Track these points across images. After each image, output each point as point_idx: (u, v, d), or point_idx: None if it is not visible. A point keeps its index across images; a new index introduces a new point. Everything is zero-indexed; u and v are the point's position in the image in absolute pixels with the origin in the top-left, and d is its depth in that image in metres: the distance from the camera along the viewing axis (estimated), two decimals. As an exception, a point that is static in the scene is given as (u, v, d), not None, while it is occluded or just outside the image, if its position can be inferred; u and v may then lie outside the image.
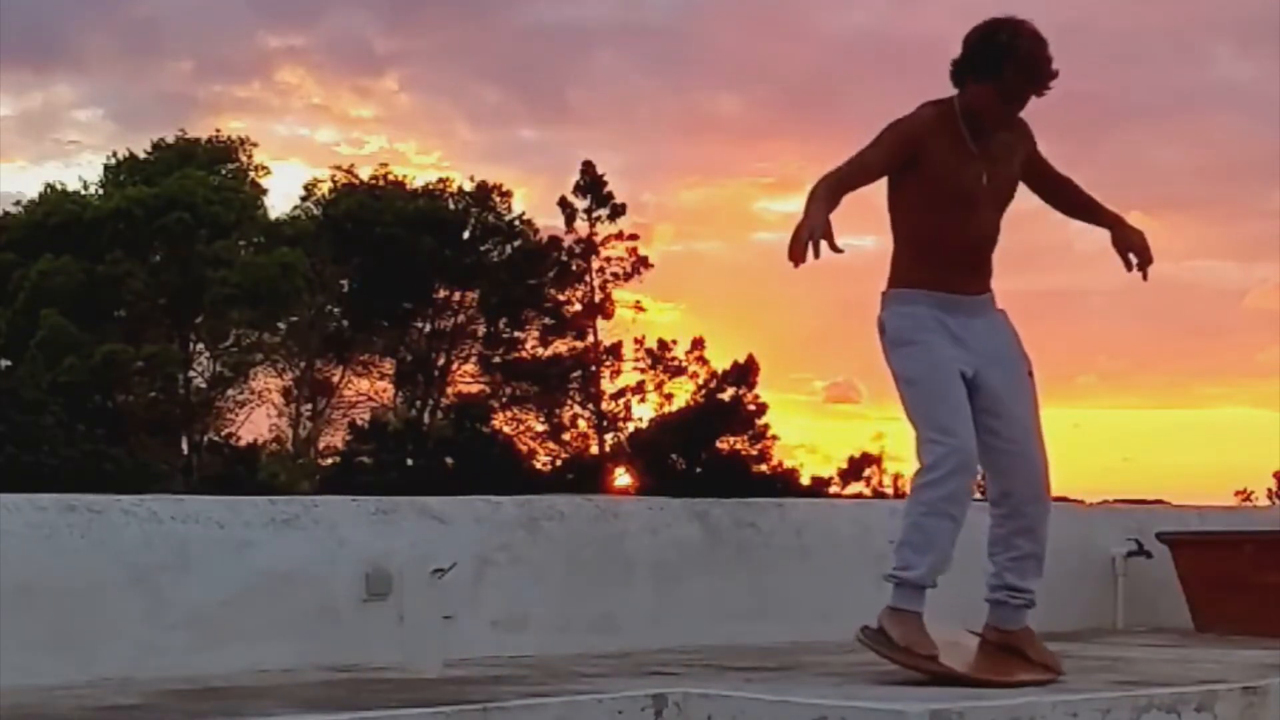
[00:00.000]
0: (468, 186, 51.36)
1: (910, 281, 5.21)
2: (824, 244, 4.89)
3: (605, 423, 49.80)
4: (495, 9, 63.10)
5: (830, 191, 5.04)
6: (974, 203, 5.18)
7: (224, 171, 50.47)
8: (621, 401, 49.85)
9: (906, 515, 5.14)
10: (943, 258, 5.17)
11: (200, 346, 47.68)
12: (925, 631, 5.02)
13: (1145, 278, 5.38)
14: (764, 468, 48.75)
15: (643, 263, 49.59)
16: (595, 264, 49.59)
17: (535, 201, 75.69)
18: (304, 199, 51.60)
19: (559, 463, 49.63)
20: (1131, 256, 5.39)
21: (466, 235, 50.62)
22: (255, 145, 52.52)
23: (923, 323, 5.16)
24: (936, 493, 5.05)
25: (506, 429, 49.84)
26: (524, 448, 49.77)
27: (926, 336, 5.14)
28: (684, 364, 49.41)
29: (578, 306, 49.98)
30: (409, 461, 46.01)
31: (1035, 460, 5.27)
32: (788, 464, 50.00)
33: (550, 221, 50.39)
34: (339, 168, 52.28)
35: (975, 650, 5.28)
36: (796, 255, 4.90)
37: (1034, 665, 5.14)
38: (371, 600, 5.65)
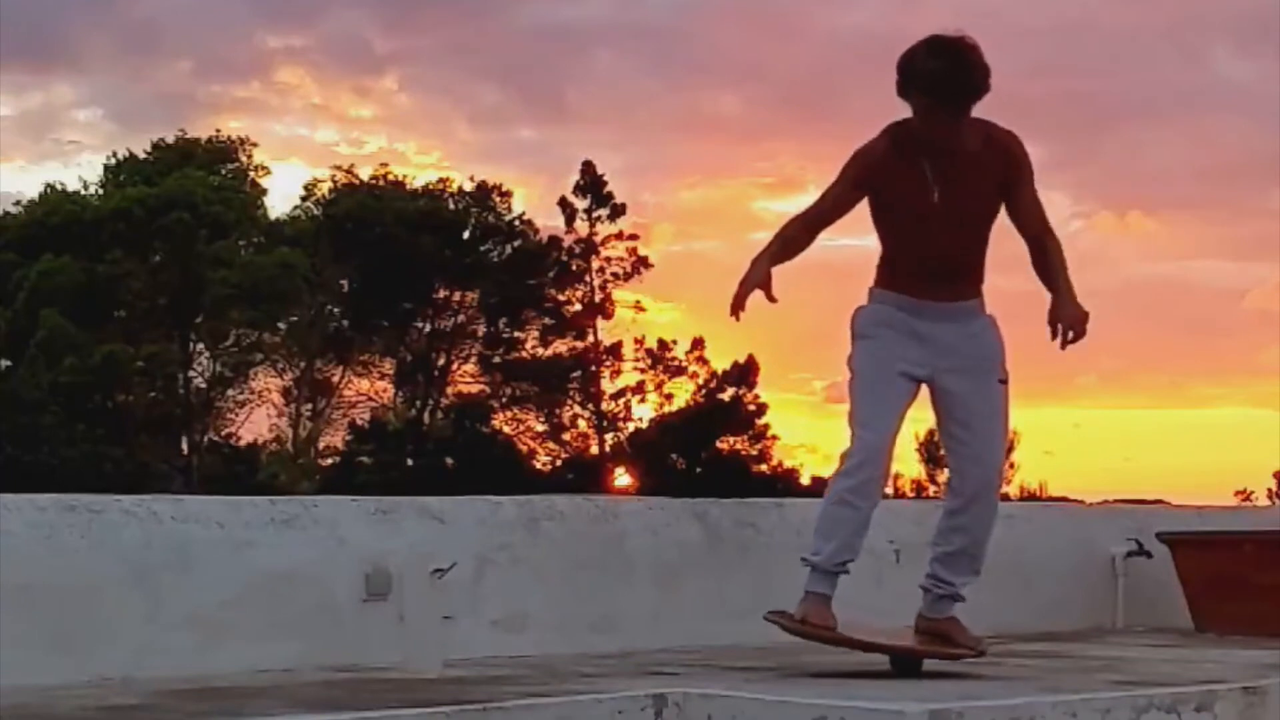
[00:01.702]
0: (468, 186, 51.42)
1: (884, 283, 5.48)
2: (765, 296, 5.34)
3: (605, 423, 49.81)
4: (495, 9, 63.16)
5: (788, 239, 5.48)
6: (928, 221, 5.32)
7: (224, 171, 50.49)
8: (621, 401, 49.88)
9: (823, 503, 5.45)
10: (908, 269, 5.41)
11: (200, 346, 47.68)
12: (827, 610, 5.32)
13: (1062, 347, 5.37)
14: (764, 468, 48.76)
15: (643, 263, 49.63)
16: (595, 264, 49.62)
17: (535, 201, 75.70)
18: (304, 199, 51.66)
19: (559, 463, 49.63)
20: (1060, 327, 5.36)
21: (466, 235, 50.61)
22: (255, 145, 52.61)
23: (882, 319, 5.42)
24: (845, 483, 5.35)
25: (506, 429, 49.86)
26: (524, 448, 49.77)
27: (880, 333, 5.41)
28: (684, 364, 49.44)
29: (578, 306, 49.98)
30: (409, 461, 46.03)
31: (988, 464, 5.46)
32: (788, 464, 50.08)
33: (550, 221, 50.46)
34: (339, 168, 52.34)
35: (901, 633, 5.50)
36: (734, 309, 5.38)
37: (958, 646, 5.37)
38: (371, 600, 5.65)
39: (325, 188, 51.44)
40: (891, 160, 5.30)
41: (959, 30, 5.21)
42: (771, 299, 5.39)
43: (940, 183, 5.26)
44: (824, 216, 5.48)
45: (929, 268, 5.37)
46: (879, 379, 5.37)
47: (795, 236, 5.49)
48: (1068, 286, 5.40)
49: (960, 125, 5.20)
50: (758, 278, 5.37)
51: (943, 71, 5.13)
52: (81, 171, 67.52)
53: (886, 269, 5.47)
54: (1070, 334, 5.35)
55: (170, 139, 51.05)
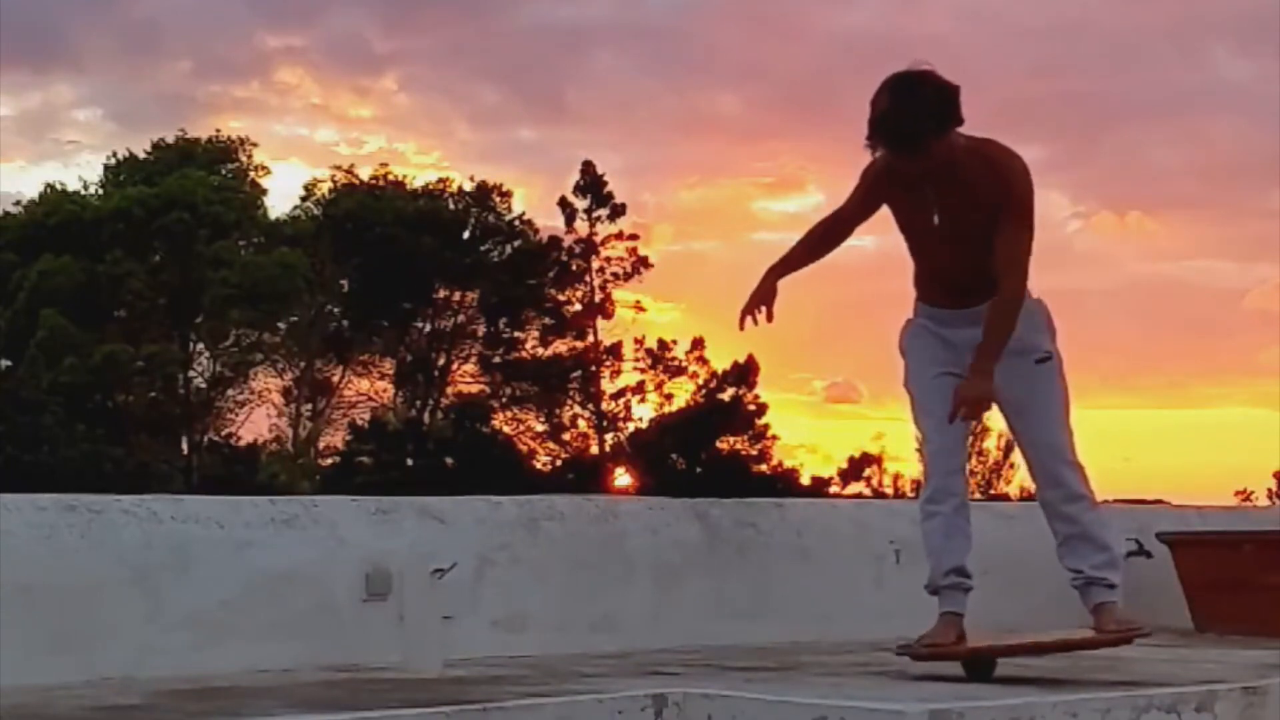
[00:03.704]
0: (468, 186, 51.42)
1: (917, 294, 5.56)
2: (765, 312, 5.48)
3: (605, 423, 49.79)
4: (495, 9, 63.12)
5: (802, 246, 5.54)
6: (929, 239, 5.36)
7: (224, 171, 50.47)
8: (621, 401, 49.86)
9: None
10: (926, 280, 5.50)
11: (200, 346, 47.68)
12: (950, 627, 5.30)
13: (949, 420, 5.24)
14: (764, 468, 48.74)
15: (643, 263, 49.61)
16: (595, 264, 49.60)
17: (535, 201, 75.71)
18: (304, 199, 51.63)
19: (559, 463, 49.62)
20: (956, 400, 5.23)
21: (466, 235, 50.60)
22: (255, 145, 52.60)
23: (917, 333, 5.50)
24: (921, 497, 5.46)
25: (506, 429, 49.84)
26: (524, 448, 49.76)
27: (916, 345, 5.48)
28: (684, 364, 49.42)
29: (578, 306, 49.97)
30: (409, 461, 46.01)
31: (1040, 447, 5.40)
32: (788, 464, 50.04)
33: (550, 221, 50.44)
34: (339, 168, 52.33)
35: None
36: (740, 324, 5.50)
37: (1103, 634, 5.33)
38: (371, 600, 5.65)
39: (325, 188, 51.48)
40: (888, 181, 5.30)
41: (917, 64, 5.12)
42: (769, 318, 5.47)
43: (940, 206, 5.25)
44: (839, 223, 5.53)
45: (942, 282, 5.42)
46: (925, 393, 5.41)
47: (811, 244, 5.55)
48: (986, 357, 5.20)
49: (919, 160, 5.12)
50: (762, 294, 5.48)
51: (871, 113, 5.12)
52: (81, 171, 67.60)
53: (915, 279, 5.53)
54: (962, 410, 5.23)
55: (170, 139, 51.08)
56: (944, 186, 5.20)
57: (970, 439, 5.62)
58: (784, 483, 46.34)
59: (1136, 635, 5.28)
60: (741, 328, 5.49)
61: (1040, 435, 5.38)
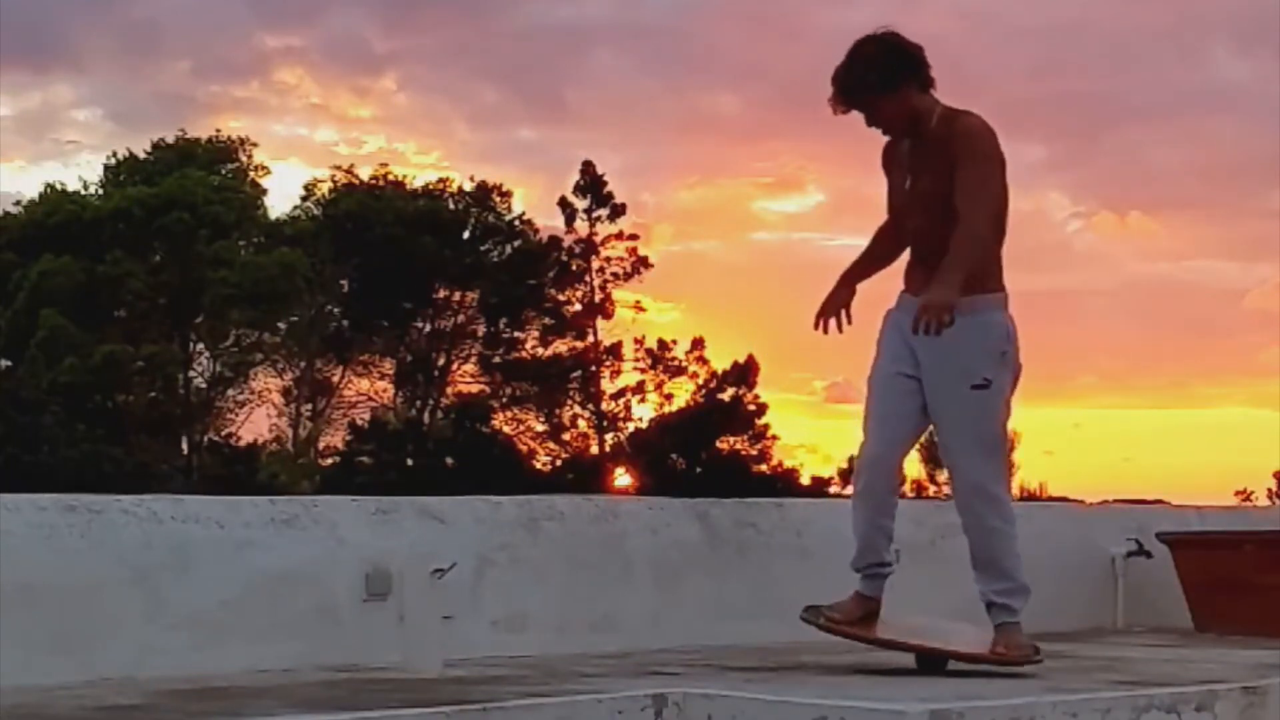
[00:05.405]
0: (467, 186, 51.42)
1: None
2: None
3: (605, 423, 49.79)
4: (494, 9, 63.09)
5: (867, 249, 5.64)
6: (903, 207, 5.50)
7: (224, 171, 50.48)
8: (621, 401, 49.86)
9: None
10: (910, 257, 5.56)
11: (200, 346, 47.69)
12: (851, 605, 5.46)
13: (914, 331, 5.20)
14: (764, 468, 48.74)
15: (643, 263, 49.62)
16: (595, 264, 49.61)
17: (535, 201, 75.74)
18: (304, 199, 51.63)
19: (559, 463, 49.62)
20: (918, 316, 5.18)
21: (466, 235, 50.60)
22: (255, 145, 52.60)
23: (887, 325, 5.55)
24: (853, 489, 5.58)
25: (506, 429, 49.84)
26: (524, 448, 49.76)
27: (883, 340, 5.54)
28: (684, 364, 49.42)
29: (578, 306, 49.98)
30: (409, 461, 46.01)
31: (959, 475, 5.45)
32: (788, 464, 50.04)
33: (550, 221, 50.46)
34: (339, 168, 52.32)
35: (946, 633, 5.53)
36: (816, 324, 5.55)
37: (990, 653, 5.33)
38: (371, 600, 5.65)
39: (325, 188, 51.47)
40: (891, 149, 5.52)
41: (880, 28, 5.43)
42: (848, 319, 5.54)
43: (912, 169, 5.42)
44: (887, 231, 5.63)
45: (915, 253, 5.52)
46: (874, 390, 5.53)
47: (875, 253, 5.65)
48: (947, 269, 5.15)
49: (870, 114, 5.35)
50: (838, 299, 5.54)
51: (833, 73, 5.39)
52: (81, 171, 67.52)
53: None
54: (924, 318, 5.13)
55: (170, 139, 51.09)
56: (915, 148, 5.38)
57: (912, 445, 5.60)
58: (784, 483, 46.33)
59: (1027, 661, 5.26)
60: (817, 328, 5.53)
61: (960, 462, 5.42)
